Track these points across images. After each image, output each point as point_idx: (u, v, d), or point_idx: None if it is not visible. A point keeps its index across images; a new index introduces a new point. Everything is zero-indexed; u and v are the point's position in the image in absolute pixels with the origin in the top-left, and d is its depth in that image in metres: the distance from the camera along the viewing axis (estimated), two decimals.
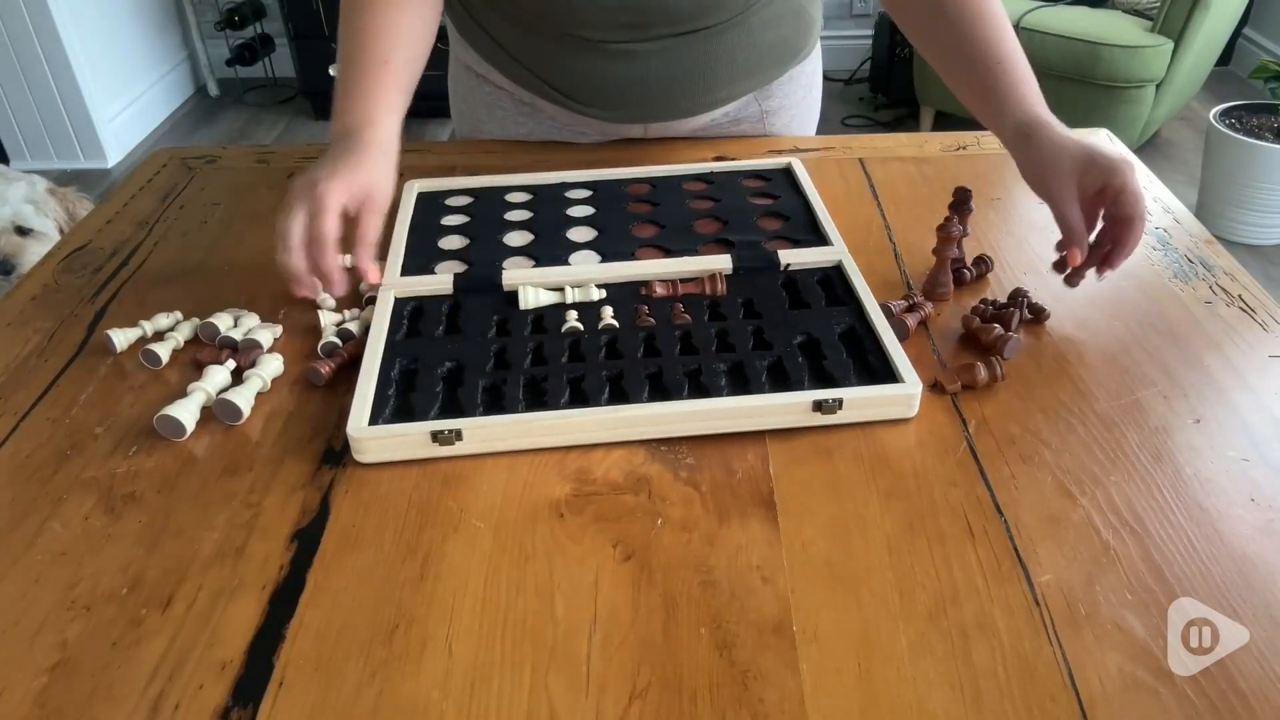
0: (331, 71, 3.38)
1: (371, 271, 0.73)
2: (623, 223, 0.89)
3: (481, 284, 0.79)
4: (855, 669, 0.51)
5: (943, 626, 0.53)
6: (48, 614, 0.56)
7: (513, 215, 0.90)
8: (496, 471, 0.65)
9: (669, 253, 0.83)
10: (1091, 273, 0.75)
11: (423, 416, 0.67)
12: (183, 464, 0.66)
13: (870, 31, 3.43)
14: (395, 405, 0.68)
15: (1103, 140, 1.07)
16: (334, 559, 0.59)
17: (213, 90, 3.64)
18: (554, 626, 0.54)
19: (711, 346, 0.72)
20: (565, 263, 0.82)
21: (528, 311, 0.77)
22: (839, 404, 0.66)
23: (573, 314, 0.76)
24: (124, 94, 3.23)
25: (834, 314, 0.75)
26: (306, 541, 0.60)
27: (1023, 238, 0.89)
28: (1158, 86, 2.63)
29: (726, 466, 0.65)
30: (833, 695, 0.50)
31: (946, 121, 3.11)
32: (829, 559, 0.58)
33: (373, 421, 0.66)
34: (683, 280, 0.80)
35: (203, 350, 0.76)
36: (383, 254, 0.85)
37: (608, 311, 0.76)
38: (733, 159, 1.01)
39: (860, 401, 0.67)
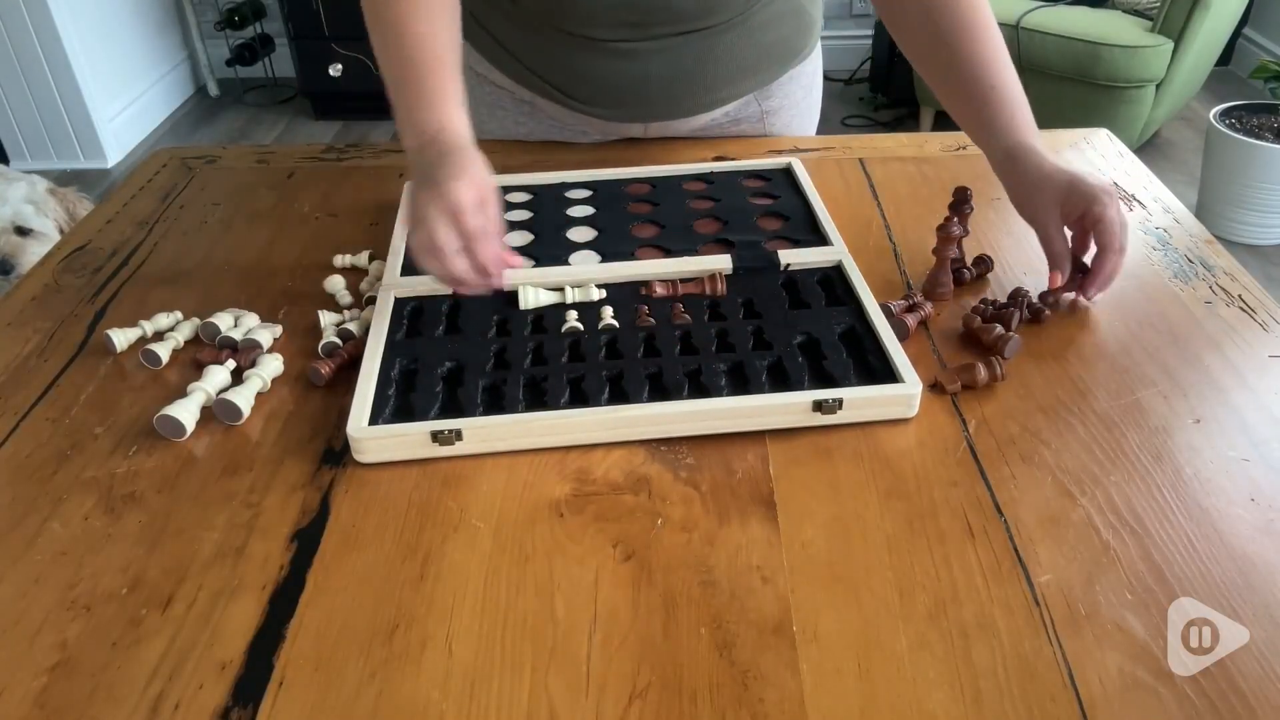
0: (333, 73, 3.32)
1: (515, 259, 0.73)
2: (623, 223, 0.89)
3: None
4: (855, 669, 0.51)
5: (943, 626, 0.53)
6: (48, 614, 0.56)
7: (513, 215, 0.90)
8: (496, 471, 0.65)
9: (669, 253, 0.83)
10: (1097, 296, 0.78)
11: (423, 416, 0.67)
12: (183, 464, 0.66)
13: (870, 31, 3.43)
14: (395, 405, 0.68)
15: (1102, 140, 1.07)
16: (334, 559, 0.59)
17: (213, 90, 3.64)
18: (554, 626, 0.54)
19: (711, 346, 0.72)
20: (565, 263, 0.82)
21: (528, 311, 0.77)
22: (839, 404, 0.66)
23: (573, 314, 0.76)
24: (124, 94, 3.23)
25: (834, 314, 0.75)
26: (306, 541, 0.60)
27: (1022, 238, 0.89)
28: (1158, 86, 2.63)
29: (726, 466, 0.64)
30: (833, 695, 0.50)
31: (946, 121, 3.08)
32: (829, 559, 0.58)
33: (373, 421, 0.66)
34: (683, 280, 0.80)
35: (203, 350, 0.76)
36: (383, 254, 0.85)
37: (608, 311, 0.76)
38: (733, 159, 1.01)
39: (860, 401, 0.67)
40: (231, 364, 0.73)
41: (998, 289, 0.82)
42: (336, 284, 0.83)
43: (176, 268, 0.88)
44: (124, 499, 0.63)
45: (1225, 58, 3.34)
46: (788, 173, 0.97)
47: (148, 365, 0.75)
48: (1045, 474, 0.63)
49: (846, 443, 0.66)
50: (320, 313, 0.79)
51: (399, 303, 0.78)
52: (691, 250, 0.83)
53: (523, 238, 0.87)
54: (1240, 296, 0.80)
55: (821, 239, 0.85)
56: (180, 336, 0.77)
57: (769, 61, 1.00)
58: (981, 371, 0.70)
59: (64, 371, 0.75)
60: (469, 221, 0.68)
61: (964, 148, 1.06)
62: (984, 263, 0.84)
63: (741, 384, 0.69)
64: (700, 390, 0.68)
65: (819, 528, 0.60)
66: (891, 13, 0.87)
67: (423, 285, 0.80)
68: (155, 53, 3.44)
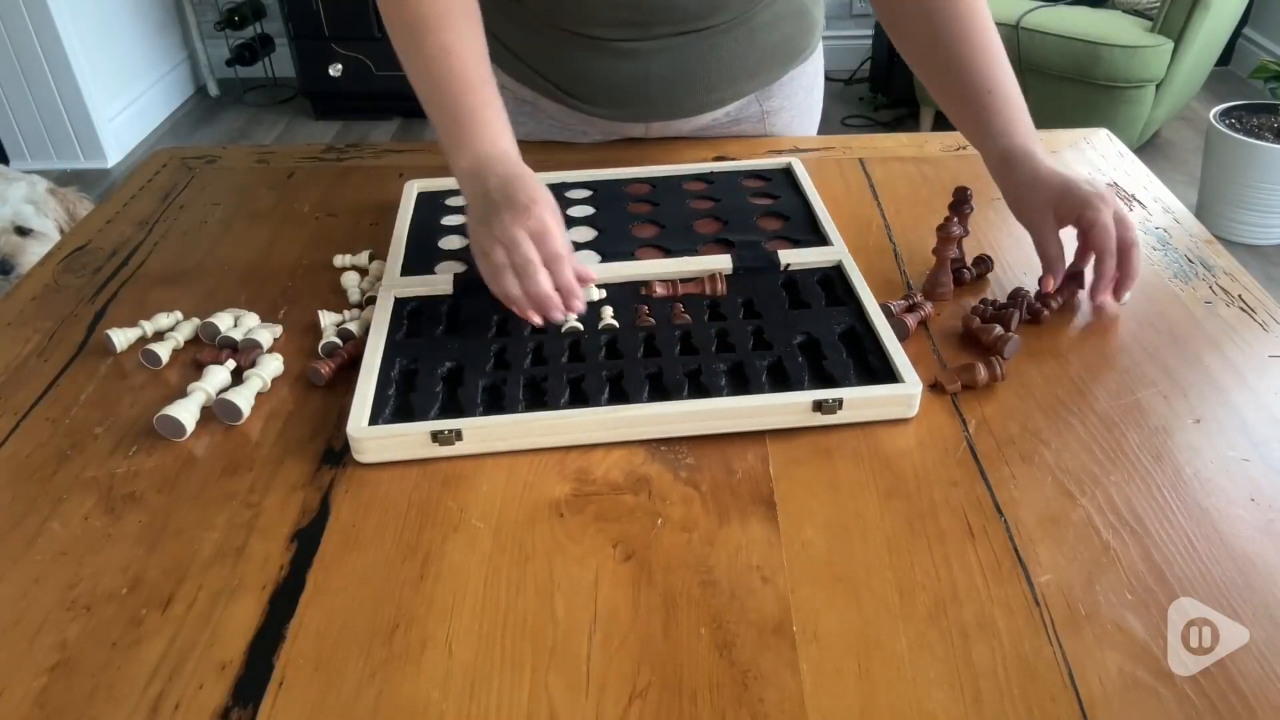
0: (333, 73, 3.32)
1: (588, 273, 0.74)
2: (623, 223, 0.89)
3: (481, 284, 0.79)
4: (855, 669, 0.51)
5: (943, 626, 0.53)
6: (48, 614, 0.56)
7: None
8: (496, 471, 0.65)
9: (669, 253, 0.83)
10: (1107, 301, 0.78)
11: (423, 416, 0.67)
12: (183, 464, 0.66)
13: (870, 31, 3.43)
14: (395, 405, 0.68)
15: (1102, 140, 1.07)
16: (334, 559, 0.59)
17: (213, 90, 3.64)
18: (554, 626, 0.54)
19: (711, 346, 0.72)
20: None
21: None
22: (839, 404, 0.66)
23: (573, 314, 0.76)
24: (124, 94, 3.23)
25: (834, 314, 0.75)
26: (306, 541, 0.60)
27: (1022, 238, 0.88)
28: (1158, 86, 2.63)
29: (726, 466, 0.64)
30: (833, 695, 0.50)
31: (946, 121, 3.09)
32: (829, 559, 0.58)
33: (373, 421, 0.66)
34: (683, 280, 0.80)
35: (203, 350, 0.76)
36: (383, 254, 0.85)
37: (608, 311, 0.76)
38: (733, 159, 1.01)
39: (860, 401, 0.67)
40: (231, 364, 0.73)
41: (998, 289, 0.82)
42: (350, 279, 0.83)
43: (176, 268, 0.88)
44: (124, 499, 0.63)
45: (1225, 58, 3.34)
46: (788, 173, 0.97)
47: (148, 365, 0.75)
48: (1045, 474, 0.63)
49: (846, 443, 0.66)
50: (320, 313, 0.79)
51: (399, 303, 0.78)
52: (691, 250, 0.83)
53: None
54: (1240, 296, 0.80)
55: (821, 239, 0.85)
56: (180, 336, 0.77)
57: (771, 62, 1.00)
58: (981, 371, 0.70)
59: (64, 371, 0.75)
60: (554, 243, 0.69)
61: (964, 148, 1.06)
62: (984, 263, 0.84)
63: (741, 384, 0.69)
64: (700, 390, 0.68)
65: (819, 528, 0.60)
66: (890, 15, 0.87)
67: (423, 285, 0.80)
68: (155, 53, 3.44)
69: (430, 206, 0.92)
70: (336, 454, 0.66)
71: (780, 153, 1.03)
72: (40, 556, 0.59)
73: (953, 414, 0.69)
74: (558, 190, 0.94)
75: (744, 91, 1.01)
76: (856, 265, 0.80)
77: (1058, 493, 0.62)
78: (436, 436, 0.64)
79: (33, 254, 1.83)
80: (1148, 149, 2.93)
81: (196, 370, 0.74)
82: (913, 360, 0.69)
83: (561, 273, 0.70)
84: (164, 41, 3.50)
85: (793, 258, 0.81)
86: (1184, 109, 3.09)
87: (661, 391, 0.68)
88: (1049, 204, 0.76)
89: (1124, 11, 2.78)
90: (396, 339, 0.74)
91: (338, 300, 0.83)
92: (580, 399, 0.68)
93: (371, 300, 0.81)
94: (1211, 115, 2.50)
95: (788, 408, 0.67)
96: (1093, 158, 1.03)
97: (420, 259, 0.83)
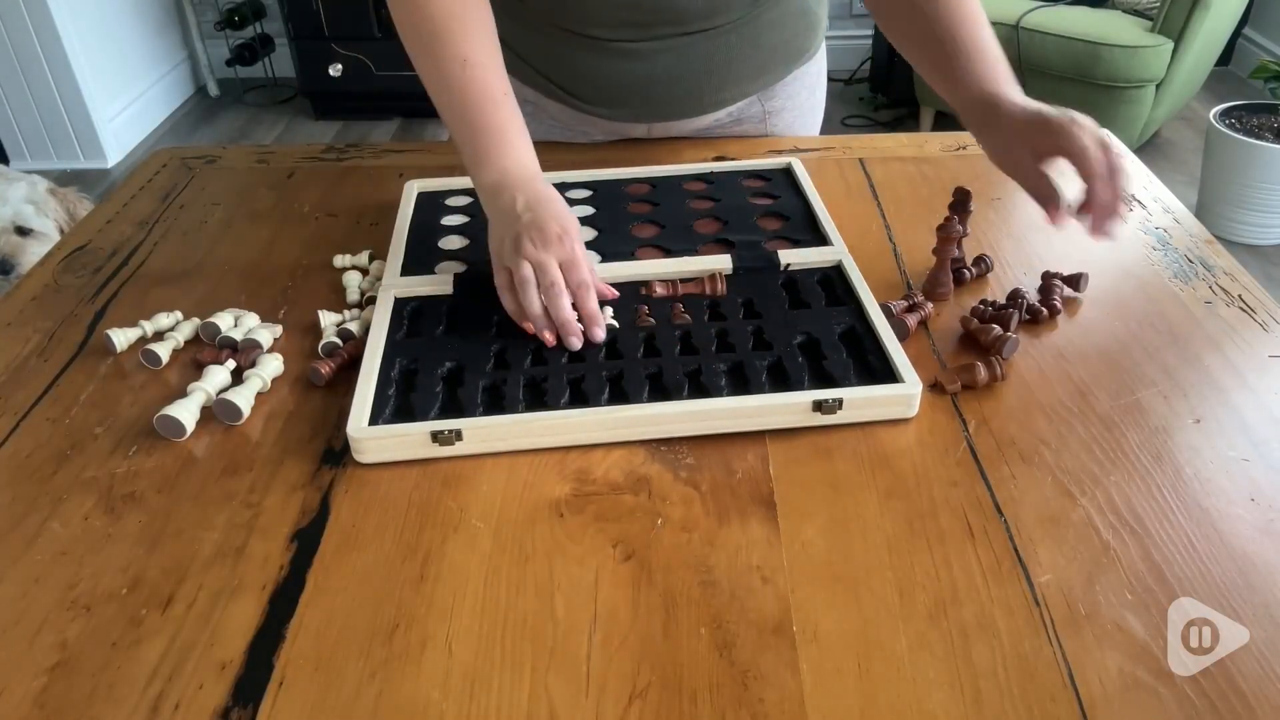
0: (333, 73, 3.31)
1: (610, 291, 0.76)
2: (623, 223, 0.89)
3: (482, 284, 0.79)
4: (855, 669, 0.51)
5: (943, 626, 0.53)
6: (48, 614, 0.56)
7: None
8: (496, 471, 0.65)
9: (669, 253, 0.83)
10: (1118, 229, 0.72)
11: (423, 416, 0.67)
12: (183, 464, 0.66)
13: (870, 31, 3.43)
14: (395, 405, 0.68)
15: None
16: (334, 559, 0.59)
17: (213, 90, 3.64)
18: (554, 626, 0.54)
19: (711, 346, 0.72)
20: None
21: None
22: (839, 404, 0.66)
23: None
24: (124, 94, 3.23)
25: (834, 314, 0.75)
26: (306, 541, 0.60)
27: (1023, 238, 0.89)
28: (1158, 86, 2.63)
29: (726, 466, 0.64)
30: (833, 695, 0.50)
31: (946, 121, 3.10)
32: (829, 559, 0.58)
33: (373, 421, 0.66)
34: (683, 280, 0.80)
35: (203, 350, 0.76)
36: (383, 254, 0.85)
37: (608, 311, 0.76)
38: (733, 159, 1.01)
39: (860, 401, 0.67)
40: (231, 364, 0.73)
41: (998, 289, 0.82)
42: (350, 279, 0.83)
43: (176, 268, 0.88)
44: (124, 499, 0.63)
45: (1225, 58, 3.34)
46: (788, 173, 0.97)
47: (148, 365, 0.75)
48: (1045, 474, 0.63)
49: (846, 443, 0.66)
50: (320, 313, 0.79)
51: (399, 303, 0.78)
52: (691, 250, 0.83)
53: None
54: (1240, 296, 0.80)
55: (821, 239, 0.85)
56: (180, 336, 0.77)
57: (773, 62, 1.00)
58: (981, 371, 0.70)
59: (64, 371, 0.75)
60: (583, 271, 0.71)
61: (964, 147, 1.06)
62: (984, 263, 0.84)
63: (741, 384, 0.69)
64: (700, 390, 0.68)
65: (819, 528, 0.60)
66: None
67: (423, 285, 0.80)
68: (155, 53, 3.44)
69: (430, 206, 0.92)
70: (336, 454, 0.66)
71: (780, 153, 1.03)
72: (40, 556, 0.59)
73: (953, 414, 0.69)
74: (558, 190, 0.94)
75: (746, 92, 1.01)
76: (856, 265, 0.80)
77: (1058, 493, 0.62)
78: (436, 436, 0.64)
79: (33, 254, 1.83)
80: (1148, 149, 2.94)
81: (196, 370, 0.74)
82: (913, 360, 0.69)
83: (586, 300, 0.71)
84: (164, 41, 3.50)
85: (793, 258, 0.81)
86: (1184, 109, 3.09)
87: (661, 391, 0.68)
88: (1024, 141, 0.72)
89: (1124, 11, 2.79)
90: (396, 339, 0.74)
91: (338, 300, 0.83)
92: (580, 399, 0.68)
93: (371, 300, 0.81)
94: (1211, 115, 2.50)
95: (788, 408, 0.67)
96: None
97: (420, 259, 0.83)
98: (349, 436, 0.65)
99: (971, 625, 0.53)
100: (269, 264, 0.89)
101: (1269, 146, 2.37)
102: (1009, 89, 0.76)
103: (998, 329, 0.74)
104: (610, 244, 0.85)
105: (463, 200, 0.94)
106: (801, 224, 0.87)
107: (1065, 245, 0.87)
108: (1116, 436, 0.66)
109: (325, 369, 0.72)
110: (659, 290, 0.78)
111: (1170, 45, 2.56)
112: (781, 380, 0.69)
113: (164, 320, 0.79)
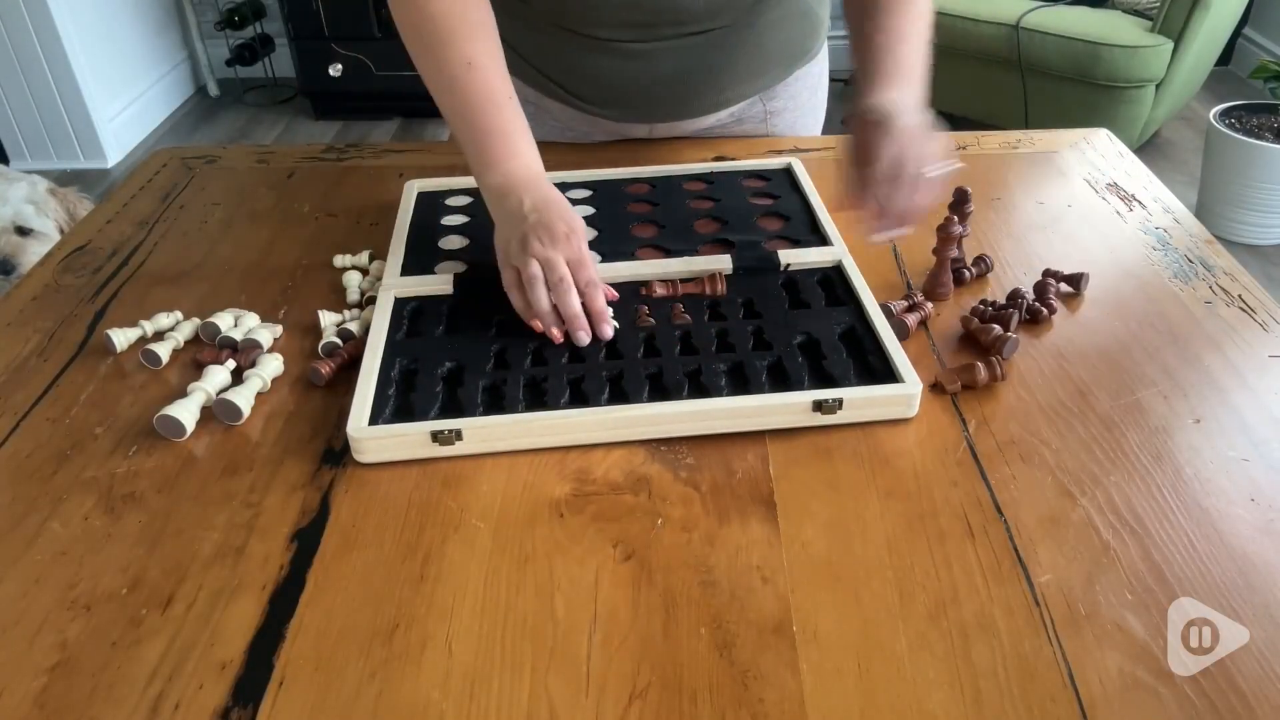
0: (333, 73, 3.31)
1: (609, 291, 0.76)
2: (623, 223, 0.89)
3: (482, 284, 0.79)
4: (855, 669, 0.51)
5: (943, 626, 0.53)
6: (48, 614, 0.56)
7: None
8: (496, 471, 0.65)
9: (669, 253, 0.83)
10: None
11: (423, 416, 0.67)
12: (183, 464, 0.66)
13: None
14: (395, 405, 0.68)
15: (1102, 140, 1.07)
16: (334, 559, 0.59)
17: (213, 90, 3.64)
18: (554, 626, 0.54)
19: (711, 346, 0.72)
20: None
21: None
22: (839, 404, 0.66)
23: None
24: (124, 94, 3.23)
25: (834, 314, 0.75)
26: (306, 541, 0.60)
27: (1022, 238, 0.89)
28: (1158, 86, 2.63)
29: (726, 466, 0.64)
30: (833, 695, 0.50)
31: (946, 121, 3.10)
32: (829, 559, 0.58)
33: (373, 421, 0.66)
34: (683, 280, 0.80)
35: (203, 350, 0.76)
36: (383, 254, 0.85)
37: (608, 312, 0.76)
38: (733, 159, 1.01)
39: (860, 401, 0.67)
40: (231, 364, 0.73)
41: (998, 289, 0.82)
42: (350, 279, 0.83)
43: (176, 268, 0.88)
44: (124, 499, 0.63)
45: (1225, 58, 3.34)
46: (788, 173, 0.96)
47: (148, 365, 0.75)
48: (1045, 474, 0.63)
49: (846, 443, 0.66)
50: (320, 313, 0.79)
51: (399, 303, 0.78)
52: (691, 250, 0.83)
53: None
54: (1240, 296, 0.80)
55: (821, 239, 0.85)
56: (180, 336, 0.77)
57: (775, 63, 1.00)
58: (981, 371, 0.70)
59: (64, 371, 0.75)
60: (590, 271, 0.72)
61: (964, 148, 1.06)
62: (984, 263, 0.84)
63: (741, 384, 0.69)
64: (700, 390, 0.68)
65: (819, 528, 0.60)
66: None
67: (423, 285, 0.80)
68: (155, 53, 3.44)
69: (430, 206, 0.92)
70: (336, 454, 0.66)
71: (780, 153, 1.03)
72: (40, 556, 0.59)
73: (953, 414, 0.69)
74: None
75: (749, 92, 1.01)
76: (856, 265, 0.80)
77: (1058, 493, 0.62)
78: (436, 436, 0.64)
79: (33, 254, 1.83)
80: (1148, 149, 2.93)
81: (196, 370, 0.74)
82: (913, 360, 0.69)
83: (594, 298, 0.72)
84: (164, 41, 3.50)
85: (793, 258, 0.81)
86: (1184, 109, 3.09)
87: (661, 391, 0.68)
88: (861, 130, 0.74)
89: (1124, 11, 2.78)
90: (396, 339, 0.74)
91: (338, 300, 0.83)
92: (580, 399, 0.68)
93: (371, 300, 0.81)
94: (1211, 115, 2.50)
95: (788, 408, 0.67)
96: (1093, 158, 1.03)
97: (420, 259, 0.83)
98: (349, 436, 0.65)
99: (971, 625, 0.53)
100: (269, 264, 0.89)
101: (1269, 146, 2.37)
102: (891, 92, 0.76)
103: (998, 329, 0.74)
104: (610, 244, 0.85)
105: (463, 200, 0.94)
106: (802, 224, 0.87)
107: (1065, 245, 0.87)
108: (1116, 436, 0.66)
109: (325, 369, 0.72)
110: (659, 290, 0.78)
111: (1170, 45, 2.56)
112: (781, 380, 0.69)
113: (164, 320, 0.79)
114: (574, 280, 0.72)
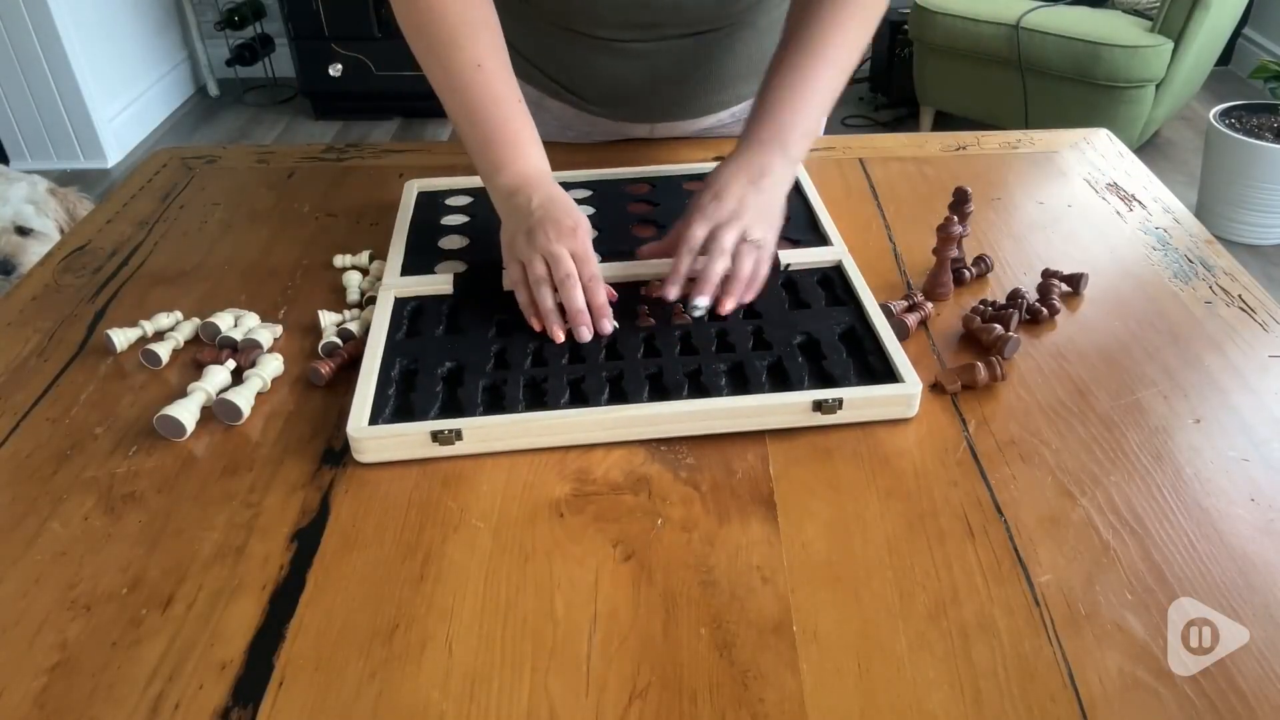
0: (333, 73, 3.31)
1: (611, 292, 0.76)
2: (623, 223, 0.88)
3: (482, 284, 0.79)
4: (855, 669, 0.51)
5: (943, 626, 0.53)
6: (48, 614, 0.56)
7: None
8: (496, 471, 0.65)
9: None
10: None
11: (423, 416, 0.67)
12: (183, 464, 0.66)
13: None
14: (395, 405, 0.68)
15: (1102, 140, 1.07)
16: (334, 559, 0.59)
17: (213, 90, 3.64)
18: (554, 626, 0.54)
19: (711, 346, 0.72)
20: None
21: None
22: (839, 404, 0.66)
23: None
24: (124, 94, 3.23)
25: (834, 314, 0.75)
26: (306, 541, 0.60)
27: (1023, 238, 0.89)
28: (1158, 86, 2.63)
29: (726, 466, 0.64)
30: (833, 695, 0.50)
31: (946, 121, 3.11)
32: (829, 559, 0.58)
33: (373, 421, 0.66)
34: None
35: (203, 350, 0.76)
36: (383, 254, 0.85)
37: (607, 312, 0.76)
38: None
39: (860, 401, 0.67)
40: (231, 364, 0.73)
41: (998, 289, 0.82)
42: (350, 279, 0.83)
43: (176, 268, 0.88)
44: (124, 499, 0.63)
45: (1225, 58, 3.34)
46: None
47: (148, 365, 0.75)
48: (1045, 474, 0.63)
49: (846, 443, 0.66)
50: (320, 313, 0.79)
51: (399, 303, 0.78)
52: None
53: None
54: (1240, 296, 0.80)
55: (821, 239, 0.85)
56: (180, 336, 0.77)
57: None
58: (981, 371, 0.70)
59: (64, 371, 0.75)
60: (593, 266, 0.73)
61: (964, 148, 1.06)
62: (984, 263, 0.84)
63: (741, 384, 0.69)
64: (700, 390, 0.68)
65: (819, 528, 0.60)
66: None
67: (423, 285, 0.80)
68: (155, 53, 3.44)
69: (430, 206, 0.92)
70: (336, 454, 0.66)
71: None
72: (40, 556, 0.59)
73: (953, 414, 0.69)
74: None
75: (749, 93, 1.01)
76: (856, 265, 0.80)
77: (1058, 493, 0.62)
78: (436, 436, 0.64)
79: (33, 254, 1.83)
80: (1148, 149, 2.94)
81: (196, 370, 0.74)
82: (913, 360, 0.69)
83: (596, 292, 0.73)
84: (164, 41, 3.50)
85: (793, 258, 0.81)
86: (1184, 109, 3.09)
87: (661, 391, 0.68)
88: (695, 199, 0.77)
89: (1124, 11, 2.79)
90: (396, 339, 0.74)
91: (338, 300, 0.83)
92: (580, 399, 0.68)
93: (371, 300, 0.81)
94: (1211, 115, 2.50)
95: (787, 408, 0.67)
96: (1093, 158, 1.03)
97: (420, 259, 0.83)
98: (349, 436, 0.65)
99: (971, 625, 0.53)
100: (269, 264, 0.89)
101: (1269, 146, 2.37)
102: (756, 142, 0.79)
103: (998, 329, 0.74)
104: (610, 244, 0.85)
105: (463, 200, 0.94)
106: (801, 224, 0.87)
107: (1065, 245, 0.87)
108: (1116, 436, 0.66)
109: (325, 369, 0.72)
110: (659, 290, 0.78)
111: (1170, 45, 2.56)
112: (781, 380, 0.69)
113: (164, 320, 0.79)
114: (579, 273, 0.72)
